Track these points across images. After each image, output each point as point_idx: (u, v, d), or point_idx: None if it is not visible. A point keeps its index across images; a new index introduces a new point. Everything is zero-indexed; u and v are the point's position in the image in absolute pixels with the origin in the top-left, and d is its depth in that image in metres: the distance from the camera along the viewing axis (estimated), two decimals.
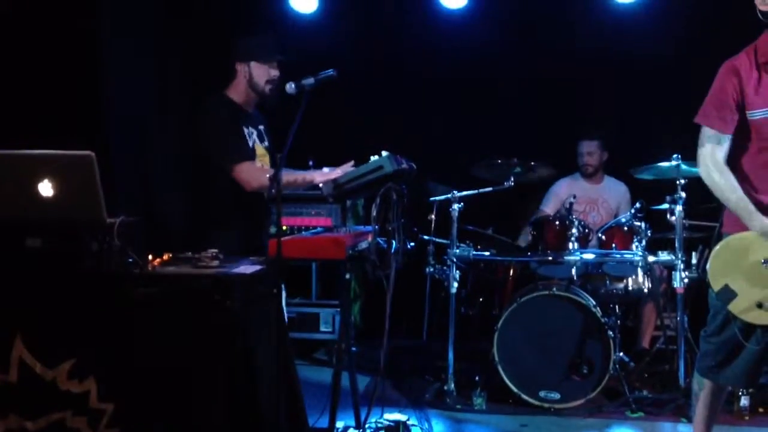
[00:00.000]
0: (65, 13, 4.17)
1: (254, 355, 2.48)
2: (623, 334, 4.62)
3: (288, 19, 5.41)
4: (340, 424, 3.28)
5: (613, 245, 4.43)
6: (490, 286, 4.81)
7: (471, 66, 5.44)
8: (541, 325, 4.10)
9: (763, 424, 3.80)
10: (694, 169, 3.80)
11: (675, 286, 4.06)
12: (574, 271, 4.25)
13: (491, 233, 4.83)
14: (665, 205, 4.15)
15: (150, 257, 2.60)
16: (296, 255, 2.80)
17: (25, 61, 4.07)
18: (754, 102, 2.74)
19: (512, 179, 4.38)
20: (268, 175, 2.85)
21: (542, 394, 4.03)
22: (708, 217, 4.24)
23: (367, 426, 3.29)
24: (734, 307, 2.71)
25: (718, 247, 2.79)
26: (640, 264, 4.29)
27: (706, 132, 2.82)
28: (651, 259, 4.17)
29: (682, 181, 4.01)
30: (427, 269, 4.57)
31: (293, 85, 2.93)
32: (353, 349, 3.68)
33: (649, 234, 4.32)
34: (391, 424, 3.48)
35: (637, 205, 4.35)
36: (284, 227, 4.73)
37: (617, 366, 4.11)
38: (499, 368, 4.07)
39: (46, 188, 2.41)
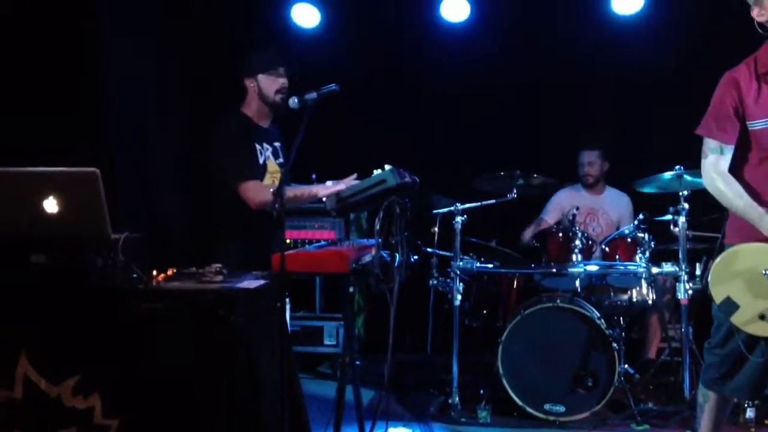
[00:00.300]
0: (65, 13, 4.18)
1: (258, 368, 2.48)
2: (628, 346, 4.61)
3: (290, 33, 5.45)
4: None
5: (617, 257, 4.43)
6: (494, 299, 4.80)
7: (472, 78, 5.46)
8: (545, 337, 4.09)
9: None
10: (696, 180, 3.81)
11: (679, 297, 4.05)
12: (577, 282, 4.25)
13: (494, 245, 4.84)
14: (668, 217, 4.15)
15: (154, 272, 2.61)
16: (300, 269, 2.80)
17: (24, 62, 4.08)
18: (754, 113, 2.75)
19: (515, 191, 4.39)
20: (271, 191, 2.86)
21: (547, 406, 4.02)
22: (711, 228, 4.24)
23: None
24: (737, 319, 2.70)
25: (719, 258, 2.78)
26: (643, 275, 4.29)
27: (709, 143, 2.83)
28: (655, 270, 4.16)
29: (685, 193, 4.01)
30: (431, 282, 4.57)
31: (296, 100, 2.95)
32: (357, 362, 3.68)
33: (653, 245, 4.31)
34: None
35: (641, 216, 4.35)
36: (288, 241, 4.74)
37: (622, 378, 4.10)
38: (504, 381, 4.07)
39: (50, 205, 2.41)
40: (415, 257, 3.53)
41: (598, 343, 4.03)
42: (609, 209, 5.17)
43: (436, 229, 4.62)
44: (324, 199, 3.12)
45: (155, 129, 4.96)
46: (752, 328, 2.69)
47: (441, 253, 4.60)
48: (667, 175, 4.07)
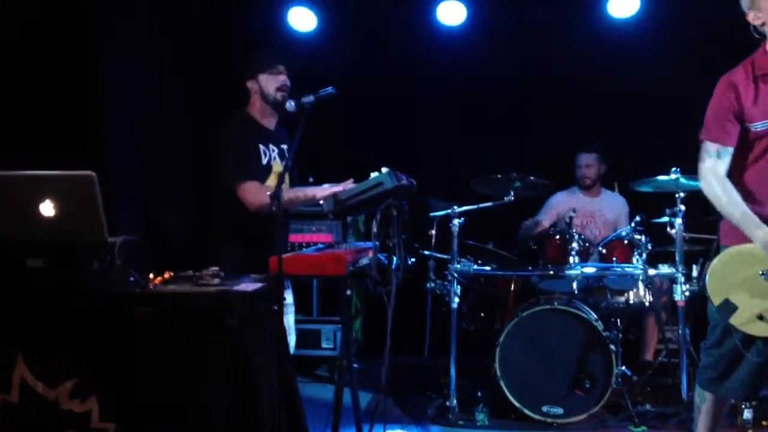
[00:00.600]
0: (64, 16, 4.18)
1: (255, 372, 2.48)
2: (625, 347, 4.61)
3: (287, 37, 5.45)
4: None
5: (614, 259, 4.43)
6: (491, 301, 4.80)
7: (469, 81, 5.47)
8: (542, 339, 4.09)
9: None
10: (693, 183, 3.81)
11: (676, 299, 4.05)
12: (575, 285, 4.24)
13: (492, 248, 4.83)
14: (665, 219, 4.16)
15: (151, 276, 2.61)
16: (297, 272, 2.80)
17: (22, 65, 4.08)
18: (753, 115, 2.76)
19: (512, 194, 4.39)
20: (269, 193, 2.86)
21: (545, 409, 4.02)
22: (708, 229, 4.24)
23: None
24: (735, 320, 2.71)
25: (716, 260, 2.79)
26: (640, 277, 4.29)
27: (708, 147, 2.83)
28: (651, 272, 4.17)
29: (682, 195, 4.02)
30: (428, 285, 4.57)
31: (293, 103, 2.96)
32: (355, 365, 3.67)
33: (650, 247, 4.31)
34: None
35: (637, 218, 4.36)
36: None
37: (620, 380, 4.10)
38: (501, 383, 4.07)
39: (47, 208, 2.41)
40: (413, 260, 3.53)
41: (595, 345, 4.04)
42: (606, 211, 5.17)
43: (434, 231, 4.62)
44: (321, 201, 3.12)
45: (152, 132, 4.96)
46: (751, 329, 2.70)
47: (438, 255, 4.60)
48: (664, 177, 4.08)
